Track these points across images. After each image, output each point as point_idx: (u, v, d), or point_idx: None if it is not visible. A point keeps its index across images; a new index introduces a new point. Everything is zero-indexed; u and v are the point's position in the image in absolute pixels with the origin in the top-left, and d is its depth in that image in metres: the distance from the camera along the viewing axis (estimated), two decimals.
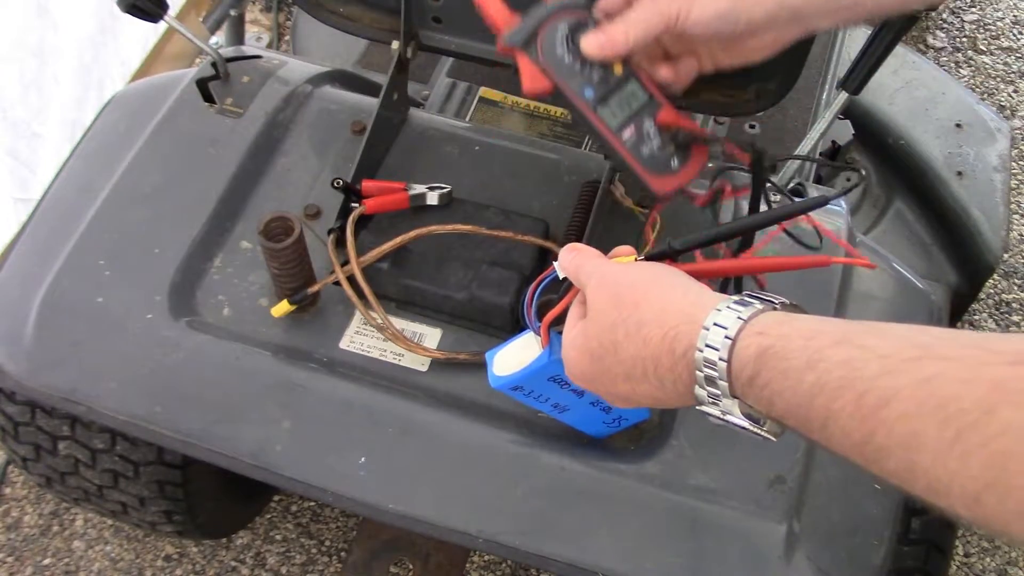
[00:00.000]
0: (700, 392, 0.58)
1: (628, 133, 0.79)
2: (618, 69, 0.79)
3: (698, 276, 0.66)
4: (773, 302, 0.58)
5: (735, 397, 0.56)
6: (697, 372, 0.57)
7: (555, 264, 0.72)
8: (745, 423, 0.57)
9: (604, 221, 1.06)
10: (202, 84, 1.15)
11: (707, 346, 0.56)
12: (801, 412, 0.51)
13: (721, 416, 0.58)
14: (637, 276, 0.65)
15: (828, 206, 1.11)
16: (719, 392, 0.56)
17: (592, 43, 0.77)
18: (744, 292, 0.59)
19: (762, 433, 0.57)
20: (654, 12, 0.76)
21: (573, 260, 0.70)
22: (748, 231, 0.72)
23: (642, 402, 0.65)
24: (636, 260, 0.68)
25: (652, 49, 0.82)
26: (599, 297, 0.65)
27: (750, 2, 0.74)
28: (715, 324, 0.56)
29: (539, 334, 0.77)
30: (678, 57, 0.83)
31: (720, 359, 0.55)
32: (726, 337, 0.55)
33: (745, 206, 0.82)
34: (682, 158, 0.81)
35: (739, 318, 0.56)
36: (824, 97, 1.59)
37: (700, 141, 0.81)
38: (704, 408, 0.59)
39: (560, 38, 0.77)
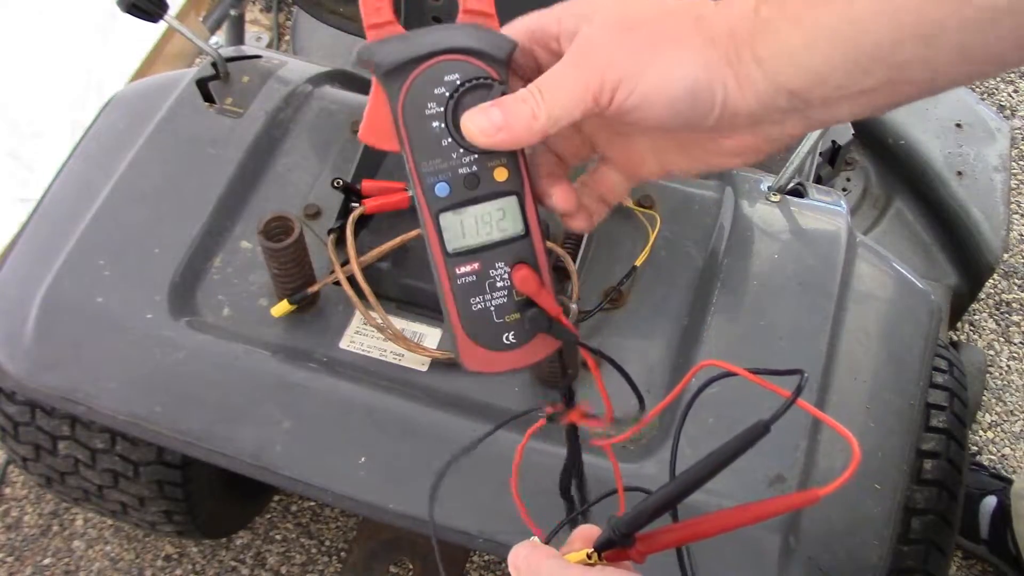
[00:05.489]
0: None
1: (467, 269, 0.53)
2: (502, 174, 0.52)
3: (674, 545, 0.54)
4: None
5: None
6: None
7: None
8: None
9: (604, 221, 1.06)
10: (202, 84, 1.15)
11: None
12: None
13: None
14: None
15: (828, 206, 1.12)
16: None
17: (477, 122, 0.48)
18: None
19: None
20: (579, 83, 0.47)
21: (527, 558, 0.54)
22: (703, 481, 0.52)
23: None
24: (588, 555, 0.55)
25: (568, 144, 0.54)
26: None
27: (731, 81, 0.47)
28: None
29: None
30: (604, 162, 0.55)
31: None
32: None
33: None
34: (522, 336, 0.55)
35: None
36: None
37: (552, 332, 0.55)
38: None
39: (439, 95, 0.50)
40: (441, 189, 0.52)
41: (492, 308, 0.54)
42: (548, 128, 0.48)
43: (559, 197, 0.52)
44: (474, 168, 0.51)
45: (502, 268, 0.53)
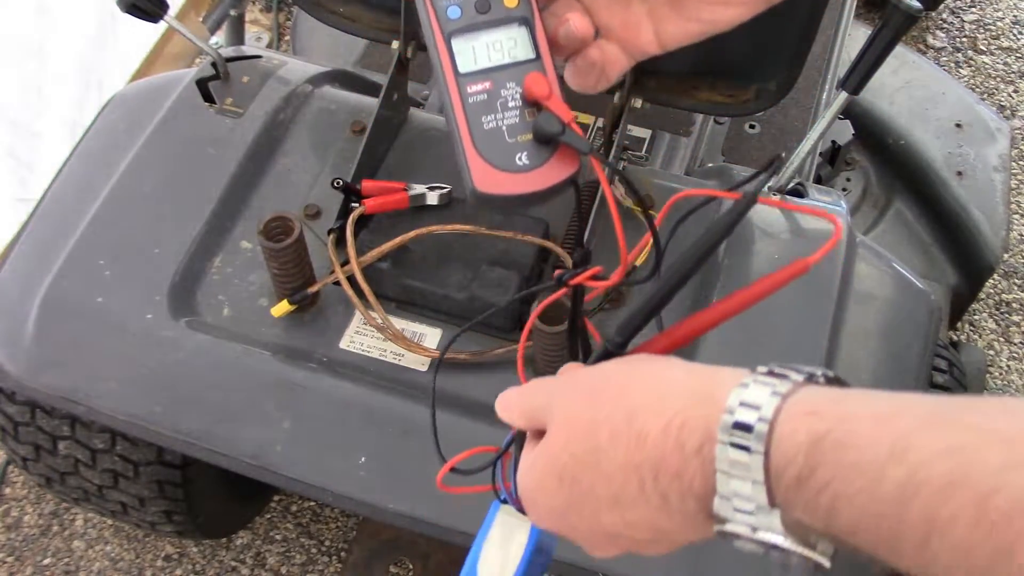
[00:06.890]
0: (721, 506, 0.40)
1: (478, 88, 0.54)
2: (512, 1, 0.55)
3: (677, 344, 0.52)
4: (814, 373, 0.42)
5: (775, 506, 0.39)
6: (719, 474, 0.40)
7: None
8: (789, 544, 0.39)
9: (604, 221, 1.06)
10: (202, 84, 1.15)
11: (733, 433, 0.39)
12: (885, 524, 0.35)
13: (752, 536, 0.40)
14: (617, 365, 0.49)
15: (828, 206, 1.12)
16: (752, 503, 0.39)
17: None
18: (772, 364, 0.43)
19: (814, 557, 0.40)
20: None
21: (520, 394, 0.52)
22: (693, 270, 0.52)
23: (637, 541, 0.46)
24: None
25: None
26: (568, 401, 0.48)
27: None
28: (742, 404, 0.39)
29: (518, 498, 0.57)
30: (603, 36, 0.57)
31: (754, 451, 0.38)
32: (760, 419, 0.39)
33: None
34: (536, 158, 0.54)
35: (775, 393, 0.40)
36: (824, 97, 1.59)
37: (571, 145, 0.54)
38: (728, 528, 0.40)
39: None
40: (453, 12, 0.54)
41: (504, 127, 0.54)
42: None
43: (575, 20, 0.54)
44: None
45: (513, 88, 0.54)
